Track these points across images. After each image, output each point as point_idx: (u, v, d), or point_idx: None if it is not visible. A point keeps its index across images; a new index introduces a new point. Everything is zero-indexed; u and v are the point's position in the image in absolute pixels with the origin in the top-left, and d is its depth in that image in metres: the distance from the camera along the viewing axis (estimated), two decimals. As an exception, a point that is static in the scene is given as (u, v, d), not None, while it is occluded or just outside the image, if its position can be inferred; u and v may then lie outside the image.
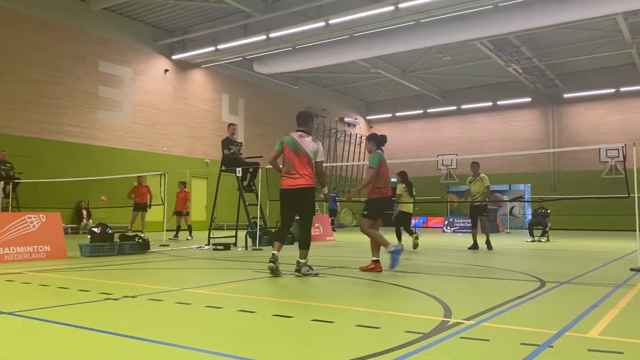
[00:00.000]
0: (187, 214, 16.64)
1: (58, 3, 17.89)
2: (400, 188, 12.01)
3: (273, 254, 6.46)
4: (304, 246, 6.67)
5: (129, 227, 15.96)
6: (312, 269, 6.59)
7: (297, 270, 6.54)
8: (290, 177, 6.64)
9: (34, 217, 8.58)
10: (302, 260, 6.56)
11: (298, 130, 6.85)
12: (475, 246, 11.89)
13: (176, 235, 15.60)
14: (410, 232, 12.51)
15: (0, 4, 16.46)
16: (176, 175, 17.66)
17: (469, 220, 22.91)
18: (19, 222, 8.33)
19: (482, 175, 12.13)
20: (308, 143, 6.70)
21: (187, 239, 14.85)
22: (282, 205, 6.79)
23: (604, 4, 15.80)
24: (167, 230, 13.53)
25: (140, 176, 15.97)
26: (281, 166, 6.82)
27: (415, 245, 11.54)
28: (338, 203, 25.12)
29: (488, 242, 11.86)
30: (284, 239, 6.84)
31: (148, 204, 16.00)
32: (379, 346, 3.08)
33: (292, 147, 6.69)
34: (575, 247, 13.51)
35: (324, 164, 7.04)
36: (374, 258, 7.23)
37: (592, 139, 26.78)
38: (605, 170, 26.24)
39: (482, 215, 12.19)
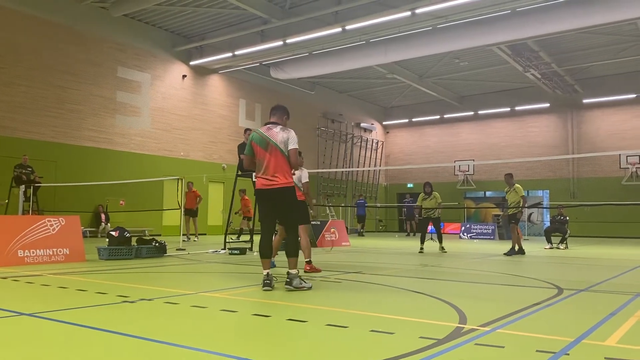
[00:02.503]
0: (246, 219, 17.19)
1: (78, 10, 18.17)
2: (420, 197, 13.42)
3: (267, 274, 5.66)
4: (292, 254, 5.79)
5: (187, 235, 16.57)
6: (305, 282, 5.77)
7: (287, 284, 5.66)
8: (264, 177, 5.80)
9: (54, 221, 8.72)
10: (293, 271, 5.68)
11: (267, 123, 5.98)
12: (520, 251, 12.32)
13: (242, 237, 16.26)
14: (439, 239, 13.35)
15: (20, 10, 16.80)
16: (193, 180, 17.78)
17: (486, 227, 23.17)
18: (39, 225, 8.47)
19: (515, 185, 12.44)
20: (277, 134, 5.80)
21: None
22: (259, 208, 6.02)
23: (624, 9, 15.60)
24: (182, 235, 13.62)
25: (190, 182, 16.97)
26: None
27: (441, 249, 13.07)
28: (366, 209, 25.51)
29: (512, 250, 12.20)
30: (269, 253, 5.90)
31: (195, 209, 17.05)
32: (393, 351, 3.08)
33: (261, 143, 5.82)
34: (594, 254, 13.32)
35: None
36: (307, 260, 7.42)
37: (612, 144, 26.39)
38: (626, 176, 25.85)
39: (510, 223, 12.67)
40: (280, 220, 6.11)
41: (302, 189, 7.76)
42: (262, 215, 5.99)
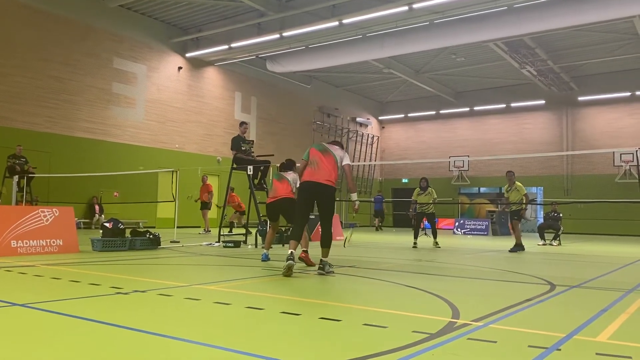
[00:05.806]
0: (238, 213, 17.64)
1: (74, 0, 18.03)
2: (415, 192, 13.43)
3: (291, 252, 6.36)
4: (327, 244, 6.75)
5: (205, 229, 17.39)
6: (332, 270, 6.61)
7: (320, 269, 6.59)
8: (313, 171, 6.70)
9: (48, 212, 8.69)
10: (325, 259, 6.64)
11: (331, 142, 7.17)
12: (519, 247, 12.23)
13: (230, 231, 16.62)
14: (434, 234, 13.34)
15: (16, 0, 16.66)
16: (188, 172, 17.73)
17: (480, 222, 23.24)
18: (33, 216, 8.44)
19: (517, 184, 12.52)
20: (336, 149, 6.93)
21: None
22: (299, 199, 6.86)
23: (620, 7, 15.63)
24: (177, 227, 13.60)
25: (204, 175, 17.66)
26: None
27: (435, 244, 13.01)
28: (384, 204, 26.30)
29: (516, 246, 12.17)
30: (300, 237, 6.76)
31: (208, 202, 17.71)
32: (386, 345, 3.09)
33: (320, 149, 6.89)
34: (587, 251, 13.39)
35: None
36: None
37: (607, 142, 26.47)
38: (620, 174, 25.96)
39: (513, 220, 12.73)
40: (321, 214, 6.85)
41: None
42: (302, 205, 6.79)
